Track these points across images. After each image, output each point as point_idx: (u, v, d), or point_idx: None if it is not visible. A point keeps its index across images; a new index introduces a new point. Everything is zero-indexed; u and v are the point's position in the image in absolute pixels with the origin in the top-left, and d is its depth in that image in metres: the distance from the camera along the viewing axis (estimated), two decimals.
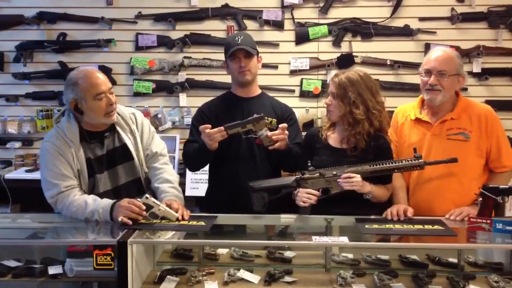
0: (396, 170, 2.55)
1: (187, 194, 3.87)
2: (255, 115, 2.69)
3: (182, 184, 2.85)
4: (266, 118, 2.74)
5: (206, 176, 3.15)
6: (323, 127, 2.74)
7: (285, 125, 2.72)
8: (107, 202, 2.45)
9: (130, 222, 2.35)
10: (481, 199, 2.40)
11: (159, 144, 2.81)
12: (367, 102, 2.55)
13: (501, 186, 2.41)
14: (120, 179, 2.65)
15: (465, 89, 4.16)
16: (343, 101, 2.56)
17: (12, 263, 2.42)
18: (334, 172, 2.53)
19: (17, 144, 4.48)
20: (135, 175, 2.69)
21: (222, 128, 2.66)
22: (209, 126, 2.68)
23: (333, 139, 2.69)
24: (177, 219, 2.43)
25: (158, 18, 4.43)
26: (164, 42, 4.44)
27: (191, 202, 3.62)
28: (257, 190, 2.61)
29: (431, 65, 2.65)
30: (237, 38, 2.87)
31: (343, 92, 2.56)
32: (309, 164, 2.58)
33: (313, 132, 2.78)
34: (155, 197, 2.53)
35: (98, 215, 2.43)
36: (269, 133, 2.67)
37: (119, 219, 2.35)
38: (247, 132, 2.71)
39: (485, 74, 4.29)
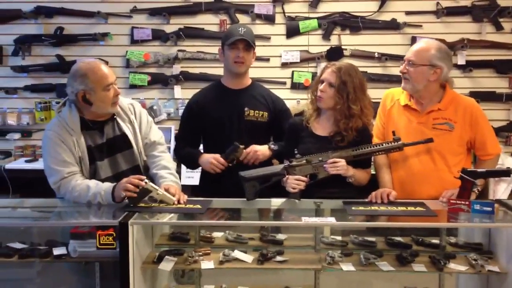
0: (377, 153, 2.67)
1: (182, 183, 3.83)
2: (231, 147, 2.88)
3: (178, 173, 2.91)
4: (241, 146, 2.89)
5: None
6: (307, 116, 2.77)
7: (250, 149, 2.91)
8: (108, 184, 2.54)
9: (134, 195, 2.45)
10: None
11: (157, 133, 2.90)
12: (363, 101, 2.64)
13: (479, 170, 2.54)
14: (120, 166, 2.73)
15: None
16: (341, 94, 2.61)
17: (18, 245, 2.53)
18: (320, 158, 2.61)
19: (16, 135, 4.55)
20: (134, 163, 2.77)
21: (225, 163, 2.90)
22: (221, 161, 2.91)
23: (317, 127, 2.75)
24: (174, 203, 2.54)
25: (153, 12, 4.50)
26: (158, 36, 4.52)
27: (187, 191, 3.67)
28: (248, 179, 2.64)
29: (406, 55, 2.77)
30: (240, 29, 2.97)
31: (343, 86, 2.60)
32: (296, 152, 2.66)
33: (296, 122, 2.84)
34: (154, 183, 2.60)
35: (100, 198, 2.51)
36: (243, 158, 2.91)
37: (122, 195, 2.45)
38: (232, 160, 2.90)
39: (469, 66, 4.39)
